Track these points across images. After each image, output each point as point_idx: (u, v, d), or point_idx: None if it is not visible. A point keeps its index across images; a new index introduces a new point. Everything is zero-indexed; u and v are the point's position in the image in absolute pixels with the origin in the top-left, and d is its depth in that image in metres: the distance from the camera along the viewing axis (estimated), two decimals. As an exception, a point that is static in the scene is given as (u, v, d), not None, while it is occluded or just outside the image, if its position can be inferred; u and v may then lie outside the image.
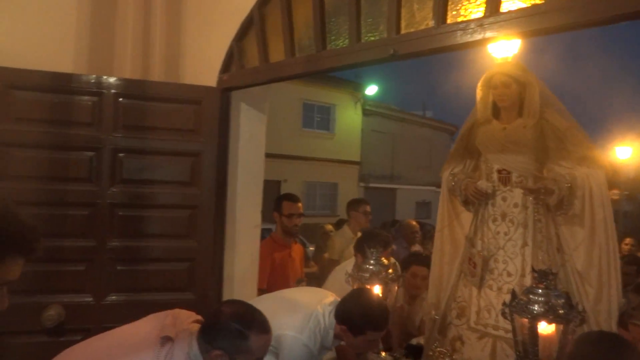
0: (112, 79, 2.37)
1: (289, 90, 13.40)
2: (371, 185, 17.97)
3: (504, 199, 2.52)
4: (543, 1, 1.44)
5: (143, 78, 2.67)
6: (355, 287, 2.27)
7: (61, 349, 2.32)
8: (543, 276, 1.66)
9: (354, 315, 1.97)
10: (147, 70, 2.79)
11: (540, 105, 2.42)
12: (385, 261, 2.27)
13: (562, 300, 1.62)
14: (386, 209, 16.98)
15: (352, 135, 17.53)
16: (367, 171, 18.24)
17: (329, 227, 4.85)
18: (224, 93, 2.51)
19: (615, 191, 20.67)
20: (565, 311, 1.60)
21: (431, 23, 1.71)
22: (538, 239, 2.42)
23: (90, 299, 2.33)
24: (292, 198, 3.32)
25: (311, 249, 4.62)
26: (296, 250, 3.42)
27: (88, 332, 2.33)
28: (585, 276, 2.33)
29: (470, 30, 1.59)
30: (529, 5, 1.47)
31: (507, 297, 2.21)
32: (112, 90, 2.35)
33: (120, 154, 2.37)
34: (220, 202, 2.52)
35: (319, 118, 17.08)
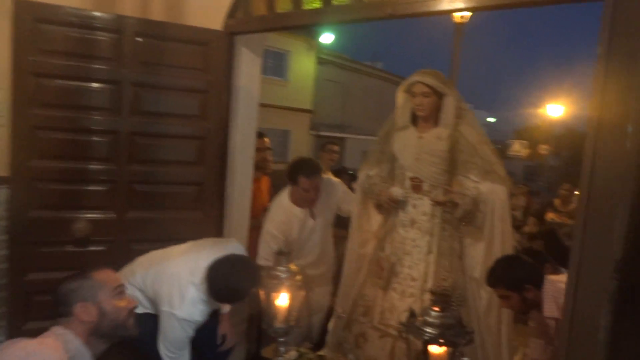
0: (130, 19, 2.59)
1: (244, 34, 13.24)
2: (322, 133, 18.41)
3: (415, 206, 2.57)
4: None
5: (143, 16, 2.89)
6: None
7: (89, 256, 2.69)
8: (439, 298, 1.74)
9: (226, 294, 2.05)
10: (147, 8, 3.00)
11: (455, 117, 2.50)
12: (293, 267, 2.20)
13: (454, 322, 1.71)
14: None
15: (305, 84, 17.70)
16: (319, 120, 18.63)
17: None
18: (230, 37, 2.80)
19: (545, 147, 22.33)
20: (456, 333, 1.68)
21: (423, -10, 2.10)
22: (442, 247, 2.50)
23: (113, 215, 2.67)
24: (258, 134, 3.65)
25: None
26: (264, 182, 3.85)
27: (112, 244, 2.70)
28: (481, 282, 2.43)
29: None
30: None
31: (409, 301, 2.48)
32: (131, 29, 2.58)
33: (137, 88, 2.64)
34: (225, 134, 2.86)
35: (273, 64, 17.04)
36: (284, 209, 2.99)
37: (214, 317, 2.45)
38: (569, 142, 27.73)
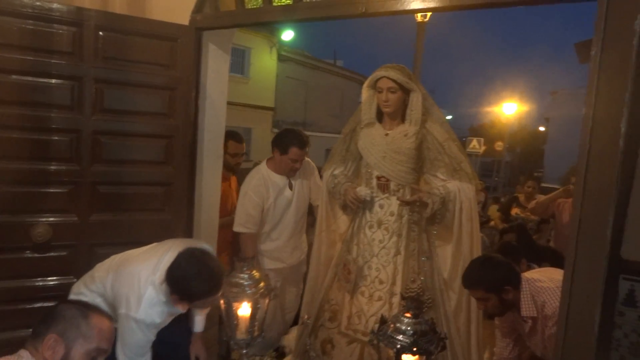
0: (91, 11, 2.47)
1: (204, 30, 12.99)
2: (284, 131, 18.28)
3: (381, 207, 2.50)
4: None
5: (103, 9, 2.76)
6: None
7: (49, 263, 2.55)
8: (411, 304, 1.67)
9: (184, 284, 1.91)
10: (108, 1, 2.87)
11: (422, 114, 2.43)
12: (256, 274, 2.07)
13: (427, 328, 1.64)
14: (298, 155, 17.49)
15: (266, 81, 17.56)
16: (281, 117, 18.52)
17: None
18: (197, 32, 2.71)
19: (500, 143, 23.15)
20: (429, 340, 1.61)
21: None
22: (410, 248, 2.44)
23: (76, 218, 2.54)
24: (238, 139, 3.59)
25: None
26: (233, 181, 3.82)
27: (74, 249, 2.57)
28: (450, 283, 2.42)
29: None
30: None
31: (378, 305, 2.43)
32: (92, 22, 2.46)
33: (101, 85, 2.51)
34: (193, 132, 2.78)
35: (233, 61, 16.77)
36: (261, 173, 3.03)
37: (185, 336, 2.37)
38: (520, 138, 28.95)
